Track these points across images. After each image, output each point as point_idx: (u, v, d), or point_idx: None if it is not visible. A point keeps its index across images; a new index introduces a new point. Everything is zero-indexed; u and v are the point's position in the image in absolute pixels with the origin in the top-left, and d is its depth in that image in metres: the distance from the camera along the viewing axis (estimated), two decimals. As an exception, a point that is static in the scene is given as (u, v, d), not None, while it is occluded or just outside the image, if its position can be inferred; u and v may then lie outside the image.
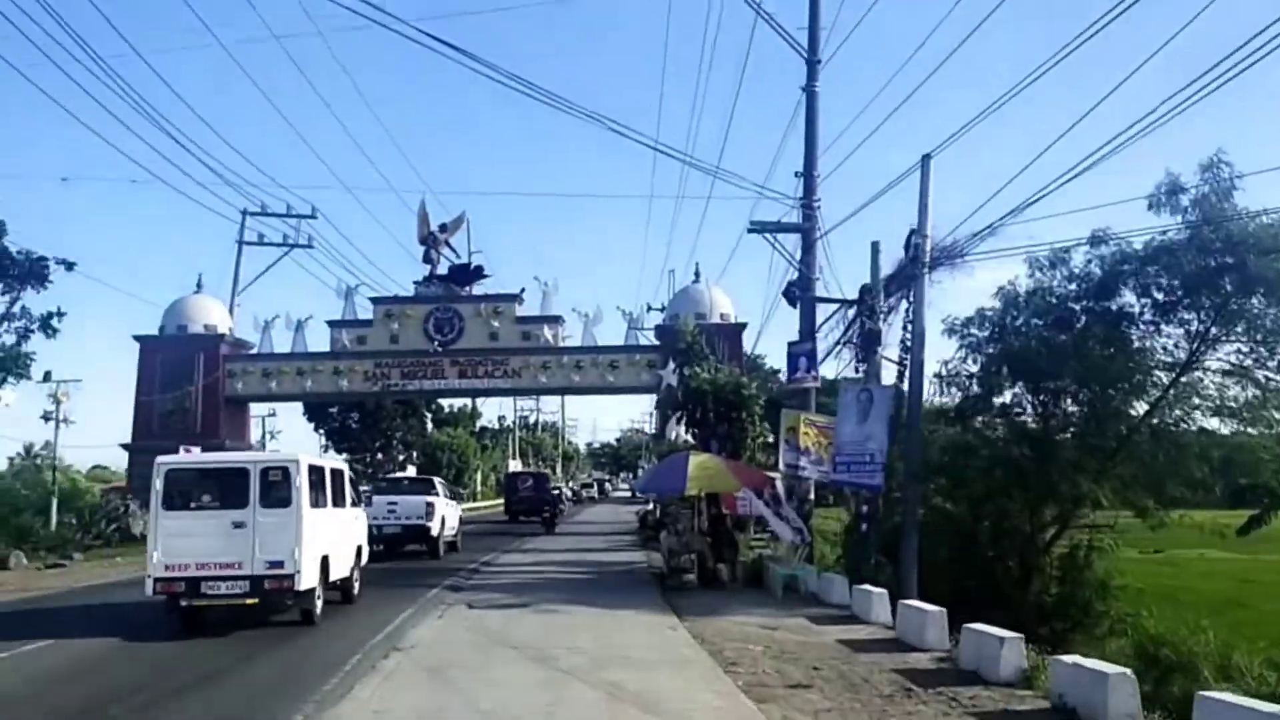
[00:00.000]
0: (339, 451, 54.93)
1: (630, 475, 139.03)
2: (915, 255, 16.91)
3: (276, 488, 13.10)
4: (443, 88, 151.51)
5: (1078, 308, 16.84)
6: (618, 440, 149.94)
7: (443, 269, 36.20)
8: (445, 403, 72.65)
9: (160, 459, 13.53)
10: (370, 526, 18.67)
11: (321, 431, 53.10)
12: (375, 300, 35.66)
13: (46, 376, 27.95)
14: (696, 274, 35.20)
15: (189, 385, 34.32)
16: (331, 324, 35.30)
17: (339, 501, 15.12)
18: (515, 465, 77.05)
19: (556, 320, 35.16)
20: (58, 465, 34.37)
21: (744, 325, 32.78)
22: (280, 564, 12.77)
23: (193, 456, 18.58)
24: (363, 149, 77.01)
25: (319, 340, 35.51)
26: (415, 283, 35.85)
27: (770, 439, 20.09)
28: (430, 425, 66.34)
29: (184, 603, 12.75)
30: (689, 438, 21.49)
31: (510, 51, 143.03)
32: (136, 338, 34.99)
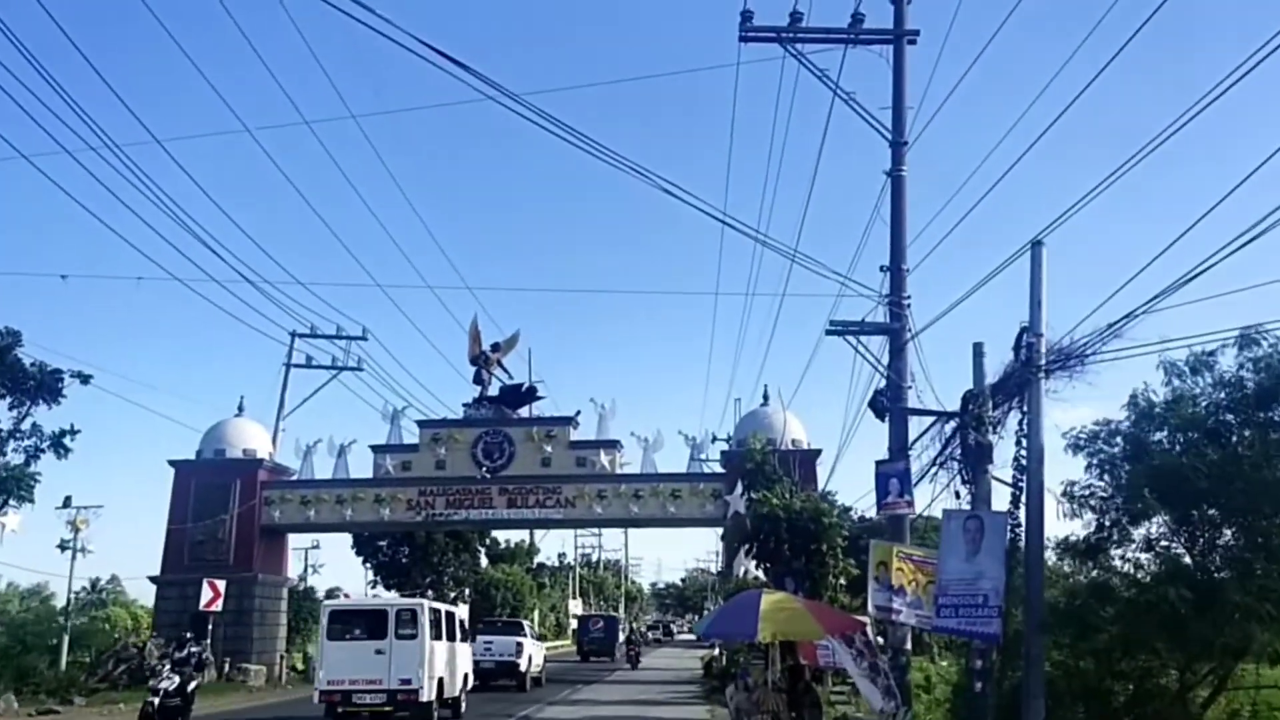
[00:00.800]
0: (387, 587, 52.27)
1: (695, 617, 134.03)
2: (1029, 357, 14.20)
3: (407, 624, 17.76)
4: (497, 198, 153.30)
5: (1232, 419, 13.90)
6: (683, 580, 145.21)
7: (494, 390, 34.22)
8: (501, 538, 70.16)
9: (326, 603, 20.27)
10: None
11: (369, 565, 50.52)
12: (422, 424, 33.65)
13: (66, 502, 26.17)
14: (765, 397, 32.59)
15: (224, 514, 32.29)
16: (375, 449, 33.27)
17: (451, 637, 19.71)
18: (575, 605, 73.71)
19: (613, 445, 32.71)
20: (113, 599, 32.30)
21: (818, 452, 29.83)
22: (409, 681, 17.28)
23: (349, 601, 24.22)
24: (414, 265, 76.34)
25: (363, 466, 33.48)
26: (464, 405, 33.81)
27: (855, 575, 17.19)
28: (485, 561, 63.62)
29: (340, 709, 17.41)
30: (760, 574, 18.66)
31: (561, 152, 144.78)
32: (171, 462, 33.23)
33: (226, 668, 29.97)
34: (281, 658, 31.79)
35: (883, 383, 16.40)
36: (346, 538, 48.81)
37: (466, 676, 21.21)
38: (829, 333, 16.79)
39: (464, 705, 20.36)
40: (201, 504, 32.38)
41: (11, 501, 20.62)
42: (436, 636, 18.49)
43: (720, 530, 35.39)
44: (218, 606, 27.65)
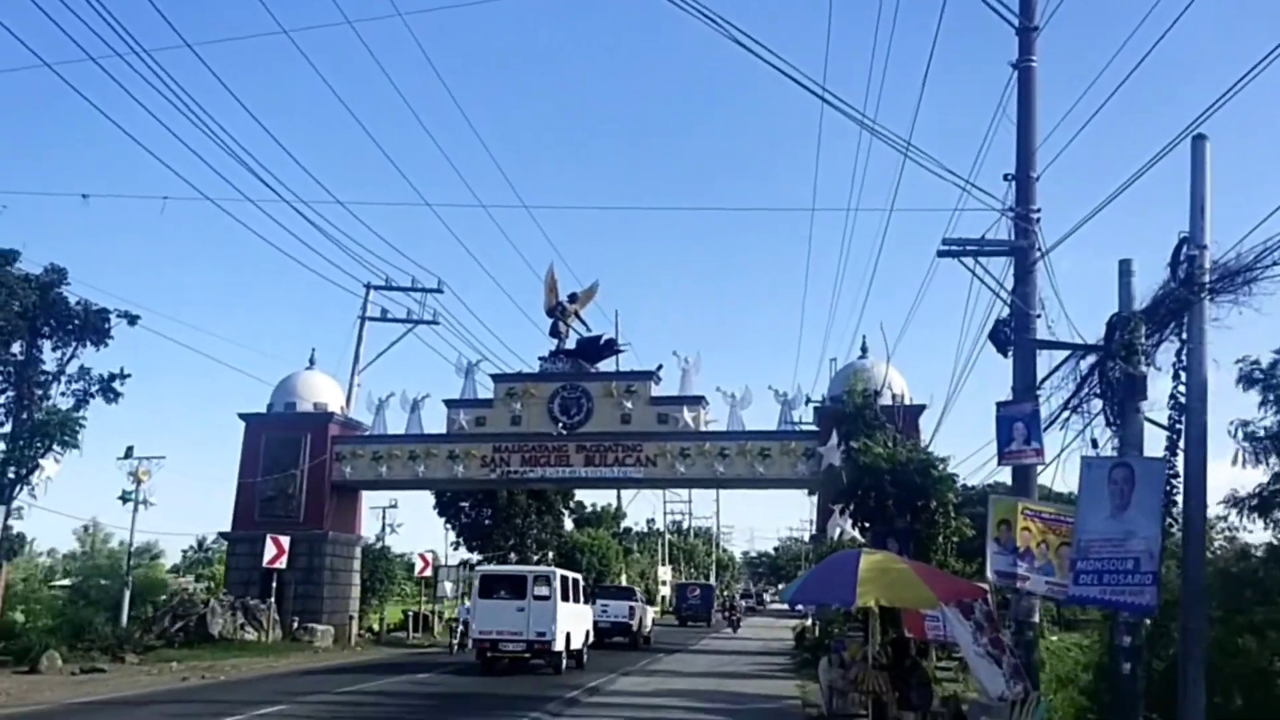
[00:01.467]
0: (470, 549, 51.30)
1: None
2: (1189, 274, 11.65)
3: (542, 587, 21.76)
4: (577, 144, 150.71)
5: None
6: (775, 550, 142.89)
7: (571, 343, 32.39)
8: (587, 501, 68.91)
9: (479, 568, 26.46)
10: None
11: (450, 527, 49.52)
12: (497, 378, 32.02)
13: (128, 452, 25.21)
14: (864, 349, 29.95)
15: (294, 469, 31.20)
16: (449, 404, 31.76)
17: (576, 599, 23.71)
18: (664, 572, 72.02)
19: (698, 401, 30.60)
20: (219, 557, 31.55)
21: (922, 408, 27.11)
22: (544, 634, 21.21)
23: (496, 568, 28.71)
24: (490, 214, 74.90)
25: (436, 422, 32.06)
26: (540, 359, 32.03)
27: (969, 536, 14.86)
28: (570, 524, 62.29)
29: (489, 654, 21.72)
30: (856, 535, 16.44)
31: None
32: (242, 416, 32.24)
33: (296, 626, 28.93)
34: (351, 618, 30.61)
35: (1005, 312, 13.98)
36: (427, 498, 48.01)
37: (588, 633, 25.28)
38: (942, 254, 14.40)
39: (586, 657, 24.21)
40: (272, 459, 31.36)
41: (56, 448, 19.53)
42: (565, 598, 22.37)
43: (812, 492, 33.16)
44: (282, 564, 26.52)
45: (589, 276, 44.13)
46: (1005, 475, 15.09)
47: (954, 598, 11.38)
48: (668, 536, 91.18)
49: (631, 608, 34.32)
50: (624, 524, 76.06)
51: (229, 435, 33.02)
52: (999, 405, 13.93)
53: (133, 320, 20.09)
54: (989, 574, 12.74)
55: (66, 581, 39.84)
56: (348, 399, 35.40)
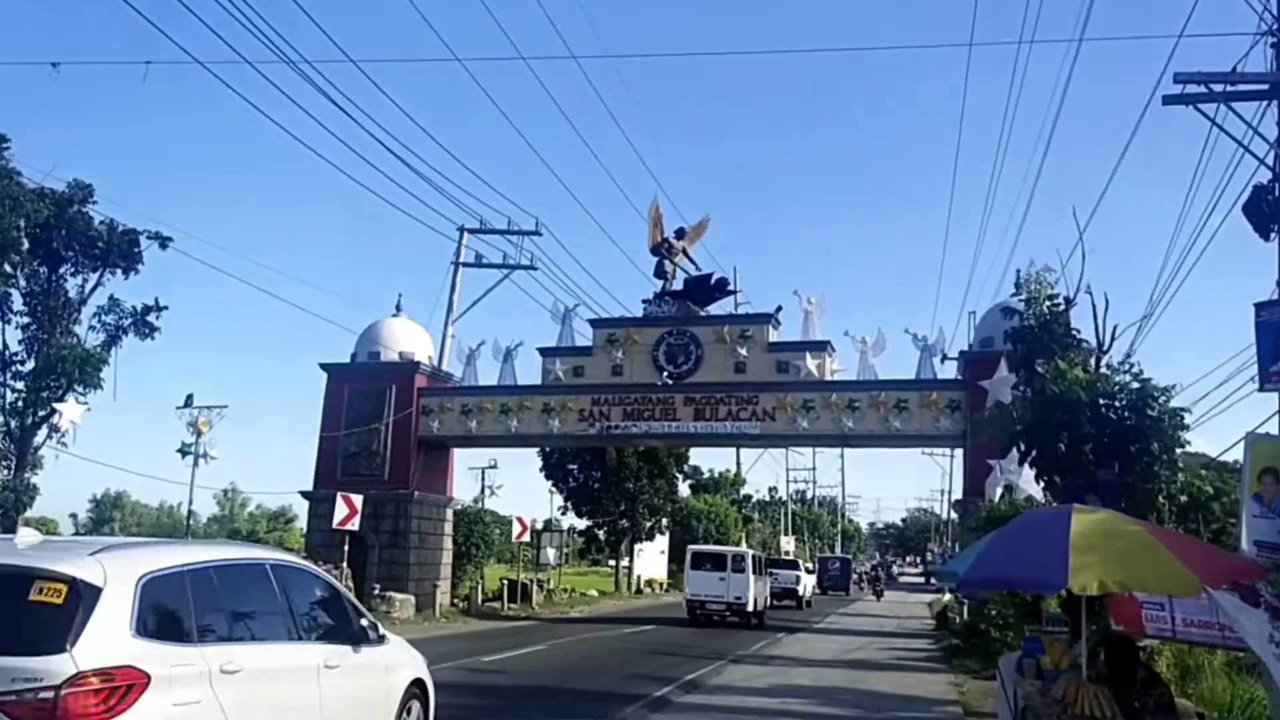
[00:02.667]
0: (578, 514, 48.59)
1: (916, 559, 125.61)
2: None
3: (739, 562, 29.43)
4: (687, 74, 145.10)
5: None
6: (903, 521, 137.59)
7: (678, 284, 28.86)
8: (705, 466, 65.49)
9: (691, 547, 32.79)
10: None
11: (558, 490, 46.82)
12: (596, 323, 28.75)
13: (188, 401, 22.88)
14: (1018, 284, 25.67)
15: (378, 423, 28.62)
16: (544, 352, 28.65)
17: (760, 572, 31.15)
18: (787, 542, 68.67)
19: (822, 347, 26.74)
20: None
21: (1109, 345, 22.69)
22: (740, 598, 28.85)
23: (703, 547, 34.55)
24: (591, 148, 71.28)
25: (531, 373, 29.03)
26: (644, 302, 28.58)
27: (1209, 493, 10.81)
28: (686, 490, 59.07)
29: (697, 612, 29.27)
30: (1036, 492, 12.50)
31: None
32: (323, 366, 29.79)
33: (377, 593, 26.40)
34: (435, 586, 27.89)
35: (1266, 177, 9.88)
36: (533, 460, 45.44)
37: (767, 598, 33.19)
38: (1170, 100, 10.35)
39: (765, 616, 31.40)
40: (356, 413, 28.86)
41: (76, 388, 17.00)
42: (755, 571, 29.72)
43: (956, 452, 29.01)
44: (354, 525, 23.88)
45: (698, 215, 40.66)
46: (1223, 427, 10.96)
47: (1224, 578, 7.45)
48: (790, 506, 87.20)
49: (797, 576, 43.47)
50: (743, 491, 72.56)
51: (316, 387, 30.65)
52: (1259, 308, 9.85)
53: (164, 243, 17.48)
54: (1244, 544, 8.77)
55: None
56: (441, 350, 32.74)
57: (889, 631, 29.14)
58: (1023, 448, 10.99)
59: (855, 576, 68.75)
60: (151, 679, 4.86)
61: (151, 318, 17.94)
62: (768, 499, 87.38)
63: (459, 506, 32.46)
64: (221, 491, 77.06)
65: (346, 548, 24.24)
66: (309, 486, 29.11)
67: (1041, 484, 11.60)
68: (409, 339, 29.84)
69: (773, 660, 18.65)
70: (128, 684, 4.77)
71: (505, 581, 32.02)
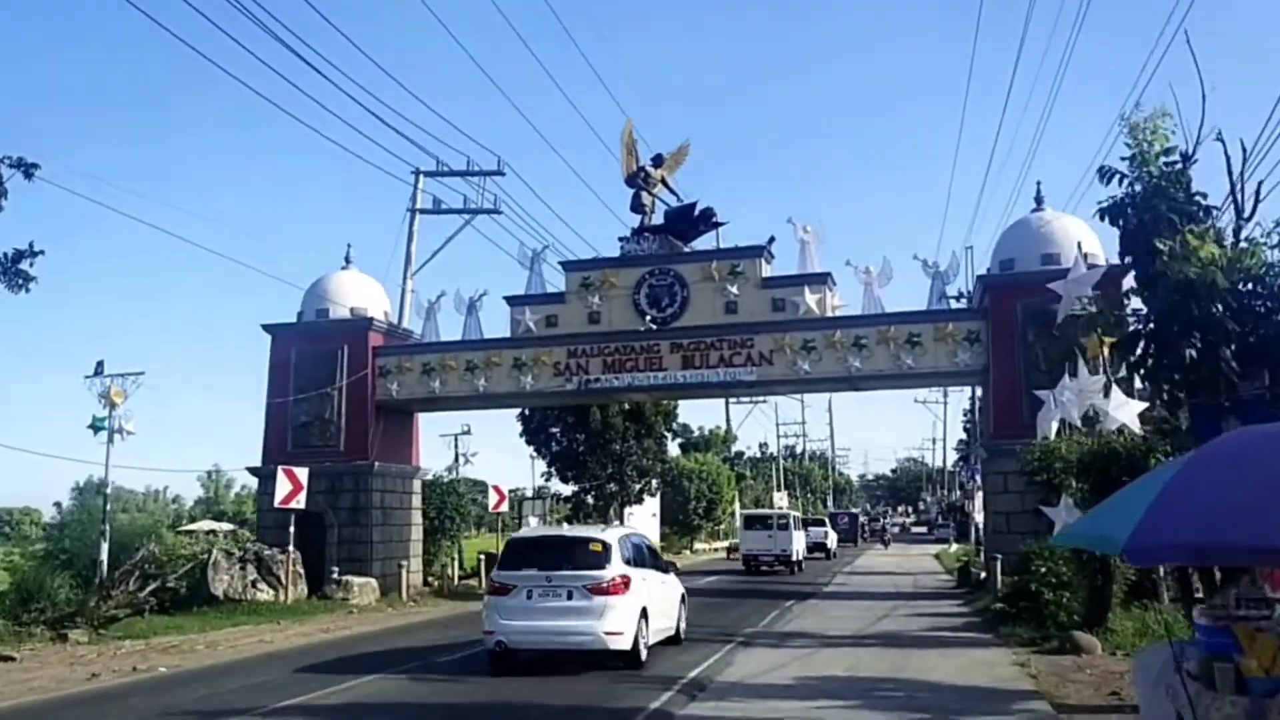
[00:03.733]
0: (563, 480, 45.68)
1: (908, 509, 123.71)
2: None
3: (783, 522, 38.09)
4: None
5: None
6: (893, 471, 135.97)
7: (659, 217, 25.86)
8: (694, 424, 62.73)
9: (744, 512, 48.17)
10: None
11: (538, 456, 43.88)
12: (568, 265, 25.75)
13: (98, 369, 19.82)
14: (1038, 199, 22.87)
15: (330, 387, 25.64)
16: (511, 301, 25.64)
17: (799, 529, 40.37)
18: (780, 498, 66.51)
19: (822, 280, 23.85)
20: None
21: (1128, 268, 19.87)
22: (786, 551, 36.98)
23: (754, 510, 48.26)
24: (552, 76, 67.51)
25: (498, 325, 26.05)
26: (621, 240, 25.53)
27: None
28: (676, 450, 56.36)
29: (751, 564, 36.97)
30: (1132, 420, 9.58)
31: None
32: (266, 327, 26.69)
33: (334, 577, 23.54)
34: (401, 566, 25.00)
35: None
36: (511, 425, 42.50)
37: (804, 550, 40.87)
38: None
39: (803, 565, 38.50)
40: (304, 377, 25.85)
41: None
42: (797, 528, 38.81)
43: (973, 388, 26.34)
44: (299, 502, 20.97)
45: (675, 143, 37.75)
46: None
47: None
48: (781, 461, 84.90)
49: (826, 532, 51.44)
50: (735, 448, 70.03)
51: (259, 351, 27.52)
52: None
53: (29, 171, 14.31)
54: None
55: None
56: (401, 306, 29.89)
57: (908, 593, 26.27)
58: (1136, 356, 8.08)
59: (870, 528, 75.84)
60: (631, 579, 12.94)
61: (25, 264, 14.89)
62: (759, 455, 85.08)
63: (428, 477, 29.54)
64: (205, 474, 74.15)
65: (292, 529, 21.30)
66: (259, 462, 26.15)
67: (1158, 402, 8.70)
68: (360, 293, 26.76)
69: (789, 640, 15.78)
70: (625, 580, 12.87)
71: (483, 556, 29.14)
